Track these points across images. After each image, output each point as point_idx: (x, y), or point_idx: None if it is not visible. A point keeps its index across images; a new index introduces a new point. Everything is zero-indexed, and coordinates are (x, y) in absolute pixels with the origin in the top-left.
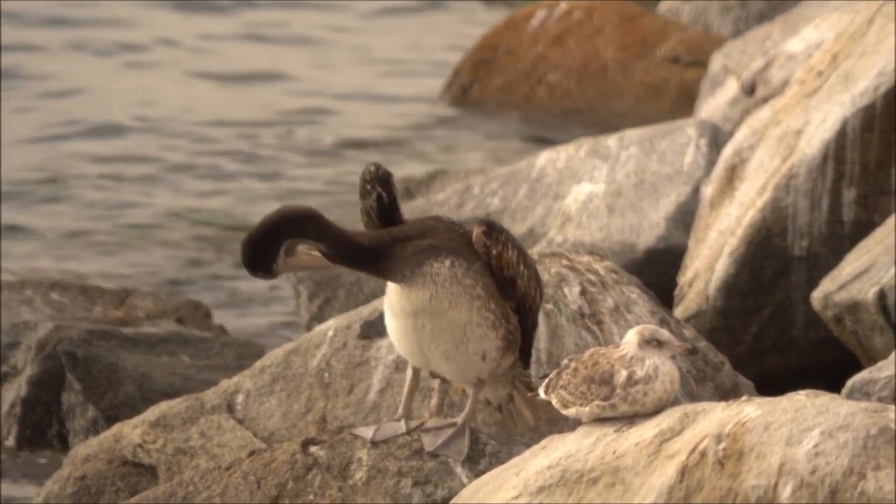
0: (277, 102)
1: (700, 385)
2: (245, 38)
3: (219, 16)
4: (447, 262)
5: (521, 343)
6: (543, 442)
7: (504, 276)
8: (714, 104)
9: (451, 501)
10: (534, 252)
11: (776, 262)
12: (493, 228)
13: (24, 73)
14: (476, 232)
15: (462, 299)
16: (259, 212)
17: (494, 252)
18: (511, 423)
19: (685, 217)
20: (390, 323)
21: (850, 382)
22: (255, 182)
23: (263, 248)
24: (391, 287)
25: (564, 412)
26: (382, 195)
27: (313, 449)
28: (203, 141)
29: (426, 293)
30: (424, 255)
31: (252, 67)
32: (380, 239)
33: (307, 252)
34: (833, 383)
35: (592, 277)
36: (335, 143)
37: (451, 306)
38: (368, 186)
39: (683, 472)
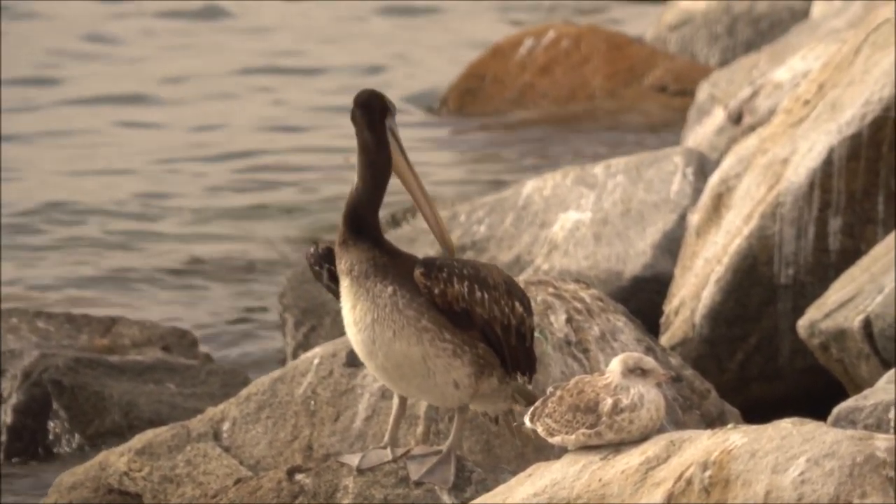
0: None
1: (686, 413)
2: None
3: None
4: (389, 289)
5: (512, 360)
6: (529, 469)
7: (455, 310)
8: (701, 133)
9: None
10: (520, 280)
11: (762, 291)
12: (431, 268)
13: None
14: (416, 274)
15: (408, 331)
16: (246, 236)
17: (437, 291)
18: (510, 435)
19: (671, 245)
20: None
21: (835, 410)
22: (239, 201)
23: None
24: (342, 303)
25: (550, 440)
26: (332, 269)
27: (299, 477)
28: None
29: (368, 315)
30: (374, 269)
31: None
32: (369, 223)
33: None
34: (819, 411)
35: (579, 305)
36: (319, 166)
37: (397, 338)
38: (317, 268)
39: (670, 499)
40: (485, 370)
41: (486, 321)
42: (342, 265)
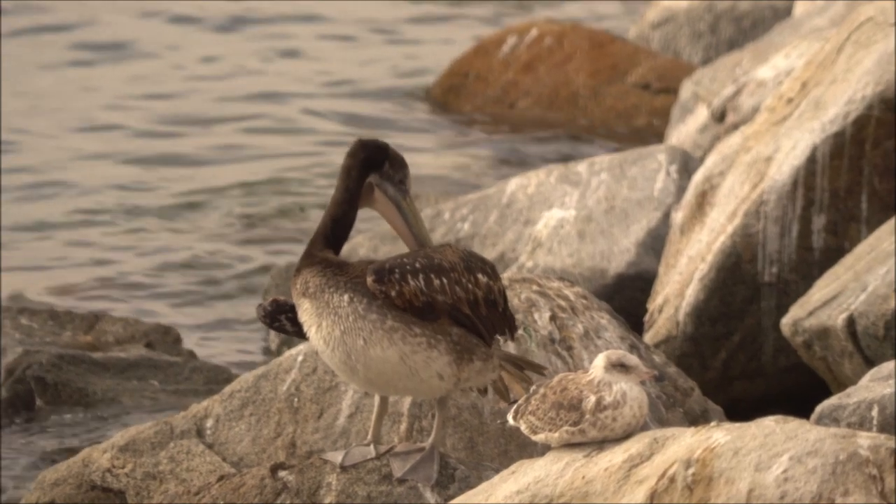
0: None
1: (669, 410)
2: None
3: None
4: (346, 297)
5: (488, 328)
6: (513, 467)
7: (416, 306)
8: (684, 131)
9: None
10: (504, 278)
11: (746, 289)
12: (382, 273)
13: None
14: (368, 283)
15: (377, 335)
16: (229, 233)
17: (394, 293)
18: (499, 397)
19: (655, 243)
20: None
21: (819, 408)
22: (222, 205)
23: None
24: (307, 329)
25: (534, 438)
26: (289, 316)
27: (283, 474)
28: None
29: (335, 328)
30: (326, 281)
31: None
32: (324, 241)
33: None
34: (802, 409)
35: (563, 303)
36: (304, 165)
37: (369, 345)
38: (276, 323)
39: (653, 497)
40: (464, 355)
41: (450, 306)
42: (297, 289)
